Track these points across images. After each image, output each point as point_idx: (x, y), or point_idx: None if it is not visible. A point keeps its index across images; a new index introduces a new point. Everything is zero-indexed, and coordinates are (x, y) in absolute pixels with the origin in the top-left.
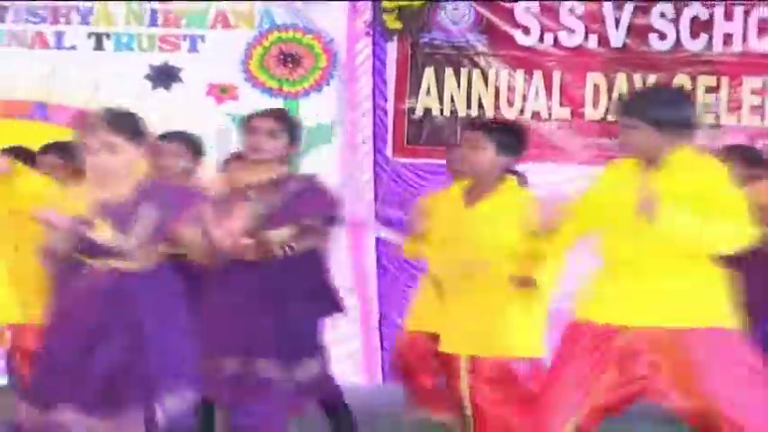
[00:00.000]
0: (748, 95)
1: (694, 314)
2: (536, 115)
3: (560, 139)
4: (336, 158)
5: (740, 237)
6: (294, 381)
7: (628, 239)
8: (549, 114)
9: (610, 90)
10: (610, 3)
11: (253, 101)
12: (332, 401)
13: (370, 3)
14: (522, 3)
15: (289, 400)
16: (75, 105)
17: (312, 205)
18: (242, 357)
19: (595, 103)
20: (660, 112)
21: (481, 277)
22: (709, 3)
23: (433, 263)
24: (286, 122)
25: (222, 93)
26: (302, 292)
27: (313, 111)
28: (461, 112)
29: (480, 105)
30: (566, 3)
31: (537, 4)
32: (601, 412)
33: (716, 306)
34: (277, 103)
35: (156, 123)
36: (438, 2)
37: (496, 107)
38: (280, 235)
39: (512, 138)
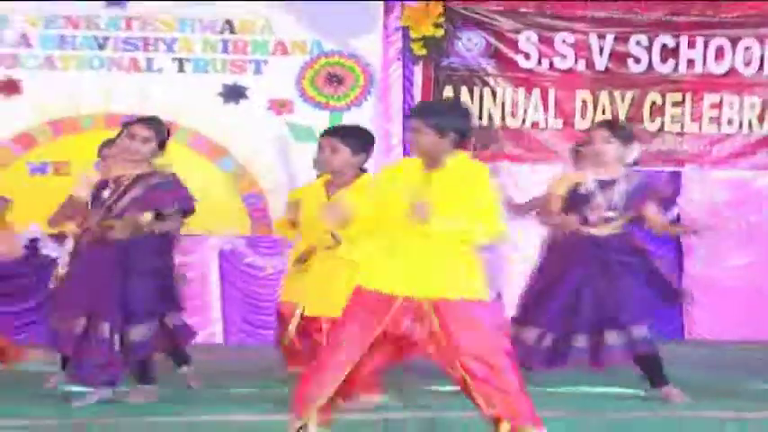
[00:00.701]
0: (707, 109)
1: (449, 288)
2: (534, 125)
3: (554, 144)
4: (372, 159)
5: (492, 233)
6: (129, 340)
7: (400, 225)
8: (546, 124)
9: (595, 105)
10: (595, 33)
11: (305, 113)
12: (176, 354)
13: (400, 33)
14: (523, 33)
15: (122, 355)
16: (163, 117)
17: (171, 196)
18: (89, 318)
19: (583, 116)
20: (442, 120)
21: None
22: (675, 33)
23: (304, 239)
24: (158, 131)
25: (281, 107)
26: (145, 268)
27: (354, 121)
28: (474, 123)
29: (490, 117)
30: (559, 33)
31: (535, 34)
32: (373, 365)
33: (467, 282)
34: (324, 115)
35: (228, 132)
36: (455, 33)
37: (502, 118)
38: (144, 218)
39: (363, 140)
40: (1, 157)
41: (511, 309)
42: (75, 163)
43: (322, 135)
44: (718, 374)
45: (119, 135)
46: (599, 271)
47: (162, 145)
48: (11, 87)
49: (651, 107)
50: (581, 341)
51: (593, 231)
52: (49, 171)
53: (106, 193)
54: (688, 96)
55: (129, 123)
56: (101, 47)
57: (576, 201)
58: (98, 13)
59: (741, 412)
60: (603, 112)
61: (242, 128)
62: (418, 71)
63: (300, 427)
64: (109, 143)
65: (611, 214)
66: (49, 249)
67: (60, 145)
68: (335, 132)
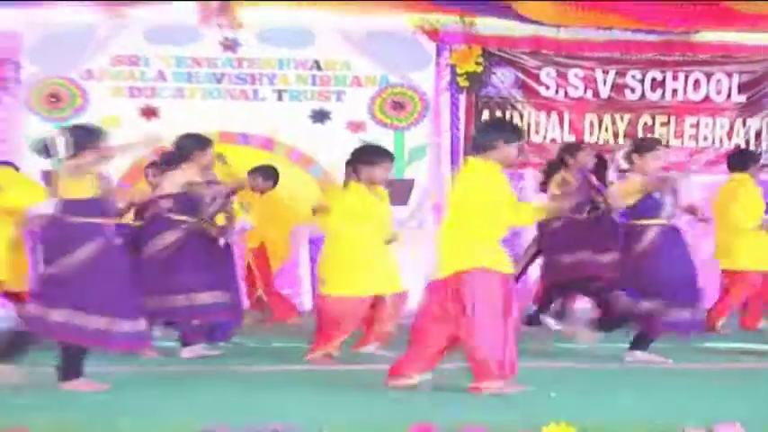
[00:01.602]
0: (687, 128)
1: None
2: (553, 140)
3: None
4: (427, 167)
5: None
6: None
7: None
8: (561, 140)
9: (600, 125)
10: (600, 69)
11: (375, 132)
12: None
13: (449, 69)
14: (544, 69)
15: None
16: (264, 135)
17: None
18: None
19: (591, 133)
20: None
21: None
22: (662, 69)
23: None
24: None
25: (356, 127)
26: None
27: (413, 138)
28: None
29: None
30: (572, 69)
31: (553, 70)
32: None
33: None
34: (390, 133)
35: (316, 146)
36: (491, 69)
37: (528, 135)
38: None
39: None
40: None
41: None
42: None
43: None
44: None
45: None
46: None
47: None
48: (151, 112)
49: (644, 127)
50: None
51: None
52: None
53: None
54: (672, 118)
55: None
56: (218, 81)
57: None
58: (217, 55)
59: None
60: (606, 131)
61: (326, 143)
62: (462, 99)
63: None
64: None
65: None
66: None
67: None
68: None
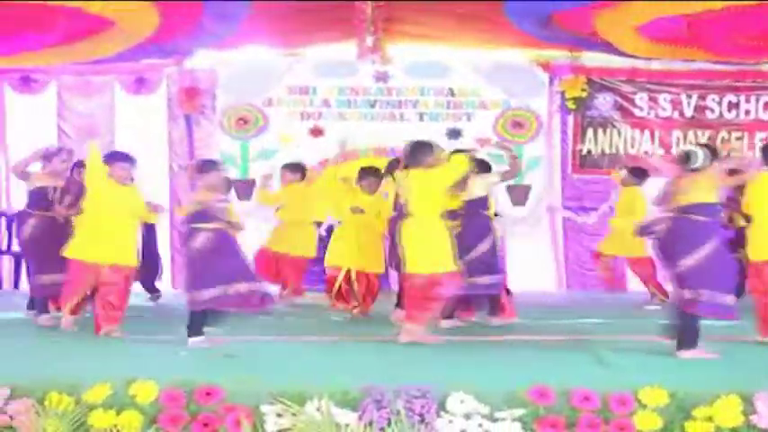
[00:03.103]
0: (758, 141)
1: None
2: (645, 152)
3: (659, 165)
4: (543, 175)
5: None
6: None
7: None
8: (653, 152)
9: (685, 140)
10: (684, 94)
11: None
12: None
13: (559, 95)
14: (638, 94)
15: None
16: None
17: None
18: None
19: (677, 147)
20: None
21: None
22: (737, 93)
23: None
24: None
25: (483, 142)
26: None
27: (530, 151)
28: (606, 151)
29: (617, 148)
30: (662, 94)
31: (646, 95)
32: None
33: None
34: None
35: None
36: (594, 94)
37: (625, 149)
38: None
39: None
40: (312, 176)
41: None
42: (353, 175)
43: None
44: None
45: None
46: None
47: None
48: (318, 132)
49: (722, 141)
50: None
51: None
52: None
53: None
54: (745, 134)
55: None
56: (372, 106)
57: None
58: (370, 85)
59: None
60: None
61: None
62: (570, 119)
63: None
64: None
65: None
66: None
67: (347, 166)
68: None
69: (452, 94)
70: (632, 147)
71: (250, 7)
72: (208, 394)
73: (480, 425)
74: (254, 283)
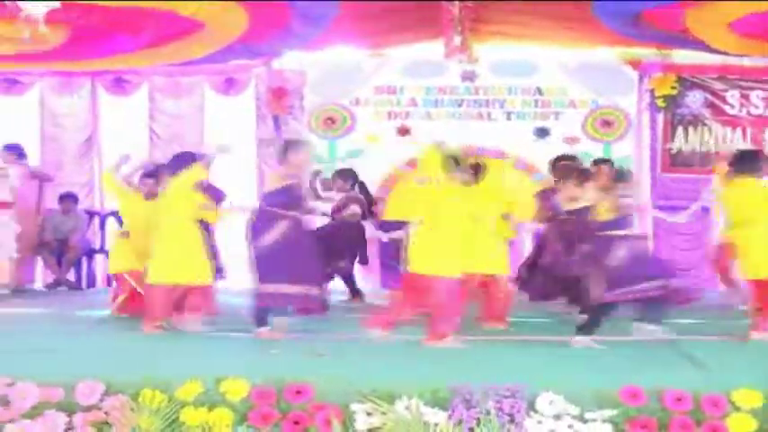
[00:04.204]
0: None
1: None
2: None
3: None
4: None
5: None
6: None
7: None
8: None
9: None
10: None
11: (587, 145)
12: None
13: (648, 93)
14: (729, 92)
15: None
16: (496, 148)
17: None
18: None
19: None
20: None
21: None
22: None
23: None
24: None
25: (572, 141)
26: None
27: (619, 150)
28: (696, 149)
29: (708, 145)
30: (753, 91)
31: (737, 92)
32: None
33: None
34: (599, 146)
35: (538, 157)
36: (684, 92)
37: (716, 146)
38: None
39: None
40: (400, 176)
41: None
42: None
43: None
44: None
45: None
46: None
47: None
48: (405, 131)
49: None
50: None
51: None
52: (425, 182)
53: None
54: None
55: None
56: (458, 105)
57: None
58: (457, 84)
59: None
60: None
61: (547, 155)
62: (660, 117)
63: None
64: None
65: None
66: None
67: None
68: None
69: (540, 92)
70: (723, 145)
71: (338, 8)
72: (298, 392)
73: (570, 425)
74: (317, 287)
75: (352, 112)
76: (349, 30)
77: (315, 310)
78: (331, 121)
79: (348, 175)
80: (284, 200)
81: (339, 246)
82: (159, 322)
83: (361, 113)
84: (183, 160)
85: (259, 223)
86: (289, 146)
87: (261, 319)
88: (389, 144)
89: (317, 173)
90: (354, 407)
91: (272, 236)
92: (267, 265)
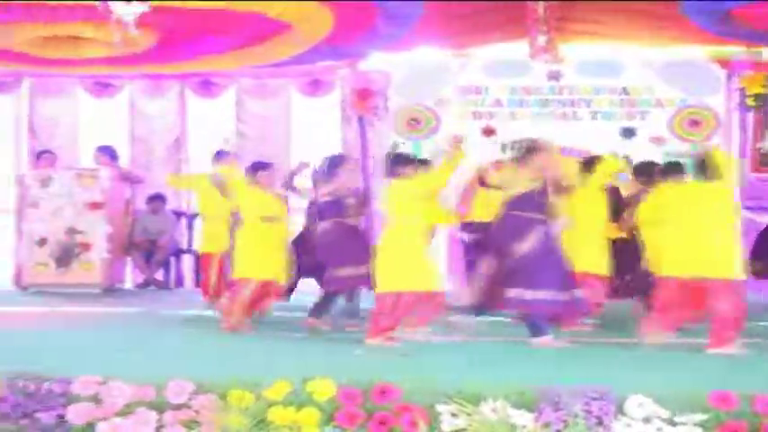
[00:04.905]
0: None
1: None
2: None
3: None
4: None
5: None
6: None
7: None
8: None
9: None
10: None
11: (675, 145)
12: None
13: (738, 92)
14: None
15: None
16: (582, 149)
17: None
18: None
19: None
20: None
21: None
22: None
23: None
24: None
25: (658, 141)
26: None
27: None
28: None
29: None
30: None
31: None
32: None
33: None
34: (687, 146)
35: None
36: None
37: None
38: None
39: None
40: (486, 175)
41: None
42: None
43: None
44: None
45: None
46: None
47: None
48: (490, 132)
49: None
50: None
51: None
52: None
53: None
54: None
55: None
56: (543, 105)
57: None
58: (542, 84)
59: None
60: None
61: (634, 155)
62: (750, 116)
63: None
64: None
65: None
66: None
67: None
68: None
69: (626, 92)
70: None
71: (423, 8)
72: (384, 393)
73: (659, 429)
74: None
75: (437, 112)
76: (434, 30)
77: (580, 314)
78: (415, 121)
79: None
80: (537, 203)
81: None
82: (389, 333)
83: (446, 114)
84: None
85: (512, 229)
86: (534, 147)
87: (539, 329)
88: (474, 145)
89: None
90: (440, 408)
91: (529, 242)
92: (536, 271)
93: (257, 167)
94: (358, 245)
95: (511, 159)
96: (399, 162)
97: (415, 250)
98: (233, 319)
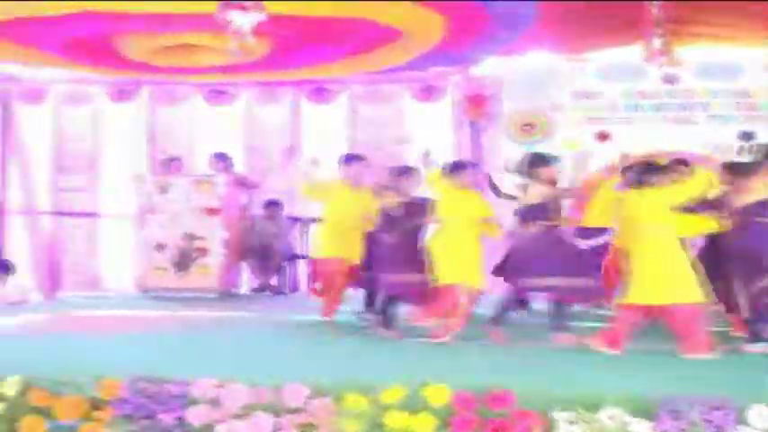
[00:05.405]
0: None
1: None
2: None
3: None
4: None
5: None
6: None
7: None
8: None
9: None
10: None
11: None
12: None
13: None
14: None
15: None
16: (699, 153)
17: None
18: None
19: None
20: None
21: None
22: None
23: None
24: None
25: None
26: None
27: None
28: None
29: None
30: None
31: None
32: None
33: None
34: None
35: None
36: None
37: None
38: None
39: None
40: (600, 182)
41: None
42: None
43: None
44: None
45: None
46: None
47: None
48: (604, 137)
49: None
50: None
51: None
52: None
53: None
54: None
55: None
56: (658, 109)
57: None
58: (658, 88)
59: None
60: None
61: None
62: None
63: None
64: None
65: None
66: None
67: None
68: None
69: (746, 95)
70: None
71: (536, 10)
72: (499, 399)
73: None
74: (580, 278)
75: (551, 117)
76: (546, 34)
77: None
78: (529, 126)
79: None
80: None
81: None
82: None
83: (560, 119)
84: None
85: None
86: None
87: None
88: (587, 149)
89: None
90: (556, 415)
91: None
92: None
93: (457, 168)
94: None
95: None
96: (650, 171)
97: (677, 261)
98: (452, 327)
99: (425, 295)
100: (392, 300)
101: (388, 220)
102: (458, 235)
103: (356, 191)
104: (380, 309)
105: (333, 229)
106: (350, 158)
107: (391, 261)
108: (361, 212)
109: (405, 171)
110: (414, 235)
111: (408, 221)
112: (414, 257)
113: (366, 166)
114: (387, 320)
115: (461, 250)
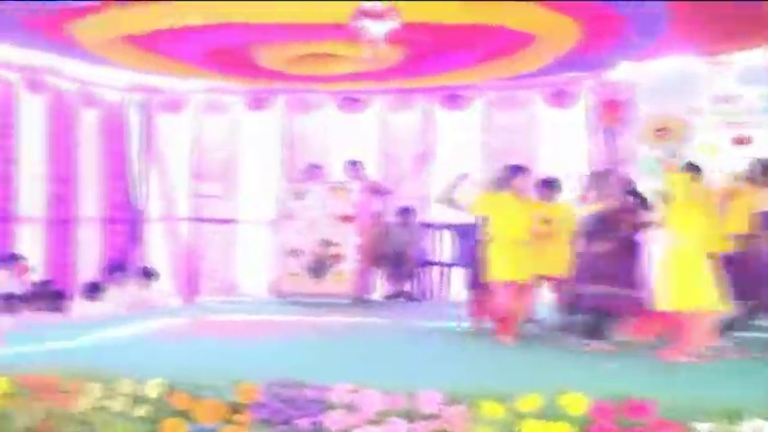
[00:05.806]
0: None
1: None
2: None
3: None
4: None
5: None
6: None
7: None
8: None
9: None
10: None
11: None
12: None
13: None
14: None
15: None
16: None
17: None
18: None
19: None
20: None
21: None
22: None
23: None
24: None
25: None
26: None
27: None
28: None
29: None
30: None
31: None
32: None
33: None
34: None
35: None
36: None
37: None
38: None
39: None
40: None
41: None
42: None
43: None
44: None
45: None
46: None
47: None
48: (741, 141)
49: None
50: None
51: None
52: None
53: None
54: None
55: None
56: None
57: None
58: (740, 93)
59: None
60: None
61: None
62: None
63: None
64: None
65: None
66: None
67: None
68: None
69: None
70: None
71: (667, 11)
72: (639, 409)
73: None
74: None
75: (688, 121)
76: (682, 37)
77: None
78: (664, 131)
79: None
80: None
81: None
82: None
83: (698, 123)
84: None
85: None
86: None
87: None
88: (726, 154)
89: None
90: (697, 426)
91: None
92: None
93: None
94: None
95: None
96: None
97: None
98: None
99: (638, 311)
100: (601, 312)
101: (599, 227)
102: (690, 252)
103: (523, 202)
104: (585, 320)
105: (502, 245)
106: (515, 170)
107: (601, 272)
108: (528, 224)
109: (604, 174)
110: (627, 243)
111: (621, 227)
112: (628, 269)
113: (530, 176)
114: (595, 332)
115: (694, 271)
